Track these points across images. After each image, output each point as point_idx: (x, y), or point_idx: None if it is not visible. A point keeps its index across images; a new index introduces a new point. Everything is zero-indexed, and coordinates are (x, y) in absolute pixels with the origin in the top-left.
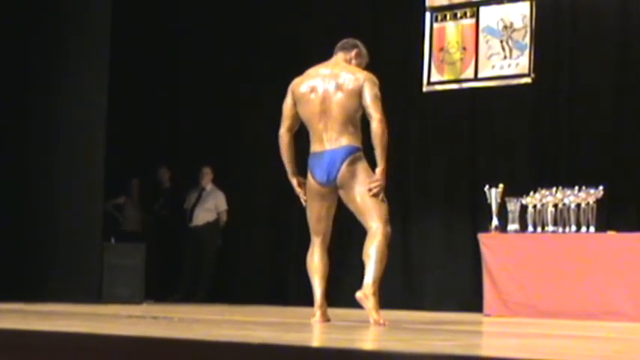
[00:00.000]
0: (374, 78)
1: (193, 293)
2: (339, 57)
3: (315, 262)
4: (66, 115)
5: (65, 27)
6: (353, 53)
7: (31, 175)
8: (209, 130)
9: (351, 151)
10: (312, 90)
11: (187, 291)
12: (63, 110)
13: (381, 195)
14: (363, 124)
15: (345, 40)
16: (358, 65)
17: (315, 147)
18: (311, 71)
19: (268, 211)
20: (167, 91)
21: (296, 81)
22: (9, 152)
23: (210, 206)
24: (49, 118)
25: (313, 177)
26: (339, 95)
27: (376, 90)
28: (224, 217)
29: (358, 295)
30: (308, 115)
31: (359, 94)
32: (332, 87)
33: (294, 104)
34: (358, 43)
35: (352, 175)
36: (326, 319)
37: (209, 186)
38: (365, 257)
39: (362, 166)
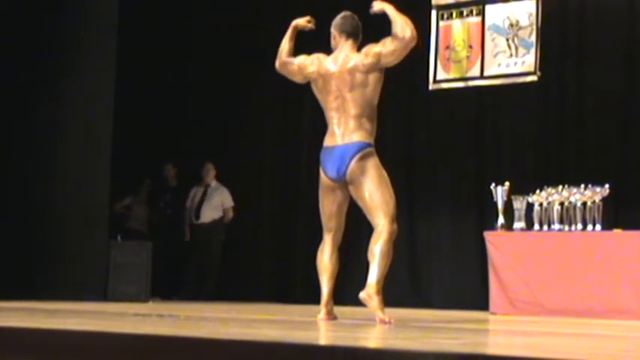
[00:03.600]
0: (370, 46)
1: (200, 291)
2: (349, 45)
3: (325, 260)
4: (72, 114)
5: (71, 26)
6: (360, 38)
7: (37, 173)
8: (214, 127)
9: (361, 147)
10: (326, 87)
11: (194, 289)
12: (69, 108)
13: (390, 191)
14: (378, 119)
15: (351, 17)
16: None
17: (327, 141)
18: (324, 65)
19: (274, 209)
20: (172, 89)
21: (309, 67)
22: (15, 151)
23: (217, 203)
24: (54, 117)
25: (324, 171)
26: (357, 92)
27: (374, 46)
28: (230, 214)
29: (362, 295)
30: (325, 108)
31: (379, 73)
32: (348, 85)
33: (298, 73)
34: (359, 21)
35: (362, 171)
36: (332, 317)
37: (214, 182)
38: (370, 256)
39: (372, 163)
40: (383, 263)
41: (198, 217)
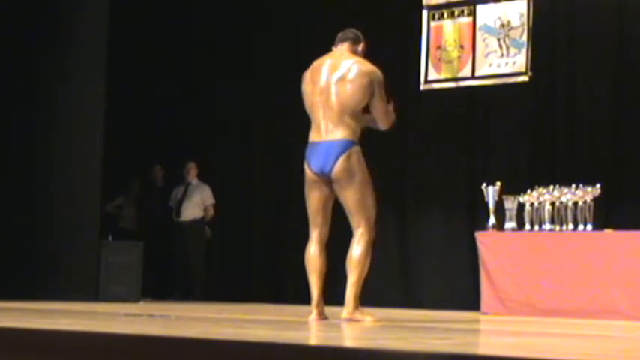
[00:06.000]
0: (381, 75)
1: (189, 291)
2: (345, 47)
3: (313, 259)
4: (64, 115)
5: (62, 28)
6: (360, 47)
7: (29, 174)
8: (204, 128)
9: (347, 147)
10: (314, 79)
11: (185, 288)
12: (61, 110)
13: (370, 200)
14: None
15: (349, 30)
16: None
17: (312, 137)
18: (316, 62)
19: (266, 209)
20: (162, 91)
21: (305, 73)
22: (6, 151)
23: (197, 201)
24: (46, 118)
25: (308, 166)
26: (341, 87)
27: (382, 90)
28: (211, 212)
29: (344, 316)
30: (309, 103)
31: (366, 89)
32: (334, 78)
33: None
34: (361, 35)
35: (349, 174)
36: (323, 317)
37: (195, 181)
38: (348, 264)
39: (358, 166)
40: (358, 272)
41: (179, 215)
